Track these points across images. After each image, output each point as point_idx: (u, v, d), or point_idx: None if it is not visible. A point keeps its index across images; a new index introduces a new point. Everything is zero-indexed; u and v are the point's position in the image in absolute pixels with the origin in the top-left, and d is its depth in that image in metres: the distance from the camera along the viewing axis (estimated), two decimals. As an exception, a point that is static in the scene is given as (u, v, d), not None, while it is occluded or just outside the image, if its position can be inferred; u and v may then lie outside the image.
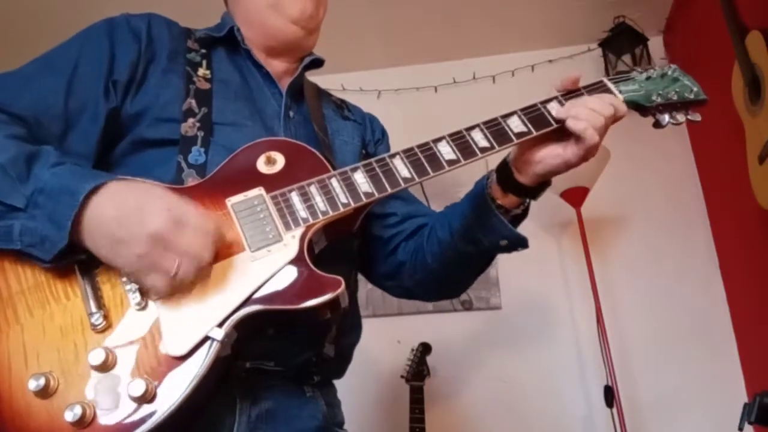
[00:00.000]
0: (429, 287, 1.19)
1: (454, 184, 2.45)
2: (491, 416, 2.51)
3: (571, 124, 0.94)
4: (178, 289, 0.78)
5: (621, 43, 2.72)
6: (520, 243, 1.03)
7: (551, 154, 0.97)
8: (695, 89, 1.02)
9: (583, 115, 0.93)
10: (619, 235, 2.69)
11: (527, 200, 1.03)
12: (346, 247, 1.08)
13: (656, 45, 2.84)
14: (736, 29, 1.90)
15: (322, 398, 1.03)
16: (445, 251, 1.10)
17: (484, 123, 0.97)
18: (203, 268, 0.78)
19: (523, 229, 1.04)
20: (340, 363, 1.09)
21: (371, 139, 1.26)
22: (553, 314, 2.62)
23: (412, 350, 2.42)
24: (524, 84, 2.83)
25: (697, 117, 1.03)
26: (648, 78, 1.03)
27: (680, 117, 1.02)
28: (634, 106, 1.00)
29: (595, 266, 2.41)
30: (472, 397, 2.56)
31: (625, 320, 2.53)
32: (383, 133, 1.30)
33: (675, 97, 1.01)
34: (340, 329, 1.04)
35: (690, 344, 2.46)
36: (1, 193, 0.79)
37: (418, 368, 2.36)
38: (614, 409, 2.22)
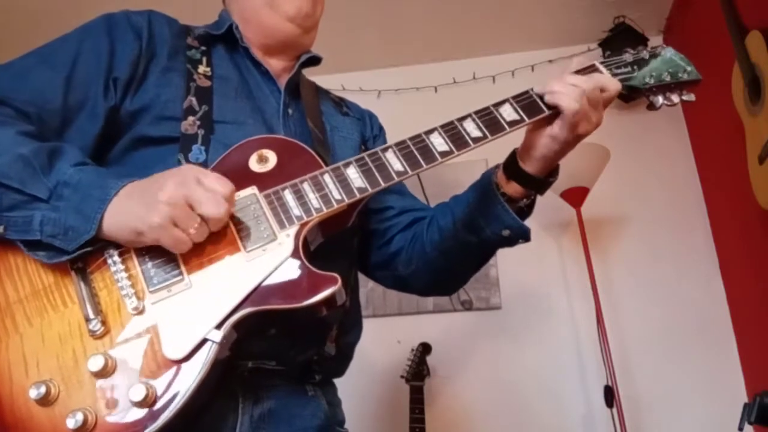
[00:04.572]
0: (424, 278, 1.16)
1: (454, 185, 2.46)
2: (491, 416, 2.51)
3: (548, 98, 0.94)
4: (196, 242, 0.80)
5: (621, 43, 2.71)
6: (523, 234, 1.01)
7: (542, 135, 0.96)
8: (689, 69, 1.01)
9: (557, 86, 0.93)
10: (619, 235, 2.69)
11: (533, 194, 1.02)
12: (345, 244, 1.08)
13: (656, 45, 2.84)
14: (736, 29, 1.90)
15: (323, 397, 1.03)
16: (445, 239, 1.08)
17: (476, 112, 0.96)
18: (219, 222, 0.81)
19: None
20: (341, 361, 1.09)
21: (370, 135, 1.25)
22: (553, 314, 2.62)
23: (412, 350, 2.43)
24: (524, 84, 2.80)
25: (692, 97, 1.02)
26: (641, 60, 1.03)
27: (674, 98, 1.02)
28: (628, 88, 1.00)
29: (595, 266, 2.41)
30: (472, 397, 2.56)
31: (625, 320, 2.53)
32: (380, 129, 1.30)
33: (668, 78, 1.01)
34: (340, 328, 1.04)
35: (690, 344, 2.46)
36: (24, 183, 0.80)
37: (418, 368, 2.36)
38: (614, 409, 2.22)
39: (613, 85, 0.96)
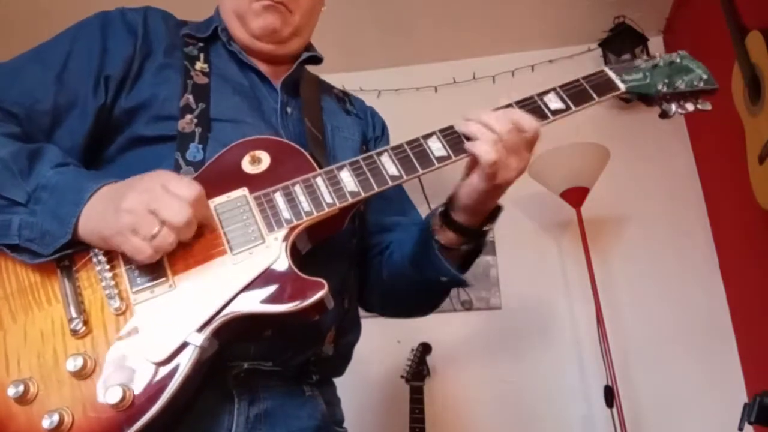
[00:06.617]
0: (379, 300, 1.16)
1: (453, 185, 2.44)
2: (491, 416, 2.51)
3: (465, 144, 0.89)
4: (160, 253, 0.77)
5: (621, 43, 2.72)
6: (458, 283, 0.99)
7: (463, 183, 0.93)
8: (705, 77, 0.97)
9: (473, 127, 0.89)
10: (619, 235, 2.68)
11: (471, 241, 0.97)
12: (344, 245, 1.06)
13: (656, 45, 2.83)
14: (736, 29, 1.89)
15: (321, 397, 1.02)
16: (397, 271, 1.08)
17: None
18: (184, 228, 0.77)
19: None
20: (340, 362, 1.08)
21: (372, 136, 1.23)
22: (553, 314, 2.61)
23: (412, 350, 2.43)
24: (524, 84, 2.83)
25: (708, 106, 0.98)
26: (654, 66, 0.99)
27: (689, 106, 0.97)
28: (639, 96, 0.97)
29: (595, 266, 2.41)
30: (472, 397, 2.56)
31: (625, 320, 2.53)
32: (383, 129, 1.27)
33: (683, 86, 0.97)
34: (339, 329, 1.03)
35: (690, 344, 2.46)
36: (2, 188, 0.79)
37: (418, 368, 2.37)
38: (614, 409, 2.22)
39: (529, 124, 0.88)
